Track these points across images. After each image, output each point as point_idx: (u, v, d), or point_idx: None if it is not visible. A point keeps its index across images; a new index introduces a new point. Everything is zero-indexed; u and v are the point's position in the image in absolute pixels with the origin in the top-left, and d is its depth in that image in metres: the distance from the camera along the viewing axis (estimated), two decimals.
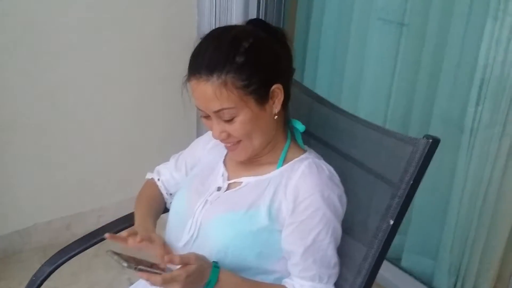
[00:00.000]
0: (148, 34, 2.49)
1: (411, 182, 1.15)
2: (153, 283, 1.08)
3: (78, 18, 2.27)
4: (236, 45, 1.11)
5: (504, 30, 1.79)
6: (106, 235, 1.11)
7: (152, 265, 1.12)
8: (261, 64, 1.14)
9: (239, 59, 1.10)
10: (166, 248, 1.17)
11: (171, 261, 1.09)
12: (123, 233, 1.14)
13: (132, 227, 1.21)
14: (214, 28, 1.22)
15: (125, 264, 1.04)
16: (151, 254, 1.14)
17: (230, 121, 1.14)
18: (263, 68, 1.14)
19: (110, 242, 1.14)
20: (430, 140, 1.13)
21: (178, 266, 1.10)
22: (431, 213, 2.17)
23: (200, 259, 1.13)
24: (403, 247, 2.28)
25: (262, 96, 1.14)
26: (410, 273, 2.22)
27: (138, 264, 1.07)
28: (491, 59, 1.84)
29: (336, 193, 1.18)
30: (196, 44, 1.17)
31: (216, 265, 1.15)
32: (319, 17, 2.51)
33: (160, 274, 1.07)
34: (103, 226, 1.49)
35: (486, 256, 2.05)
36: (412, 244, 2.25)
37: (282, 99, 1.18)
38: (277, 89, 1.16)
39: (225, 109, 1.12)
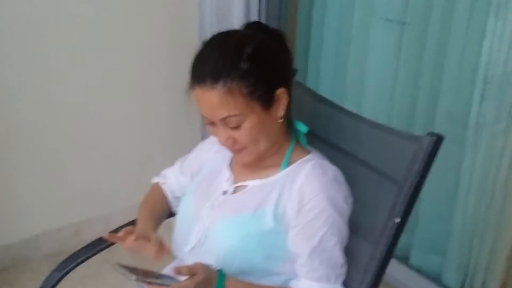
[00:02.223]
0: (150, 38, 2.50)
1: (416, 180, 1.15)
2: None
3: (80, 23, 2.28)
4: (240, 51, 1.11)
5: (507, 27, 1.78)
6: (105, 235, 1.12)
7: (159, 276, 1.13)
8: (266, 68, 1.14)
9: (244, 65, 1.10)
10: (162, 247, 1.16)
11: (179, 272, 1.10)
12: (120, 233, 1.15)
13: (129, 226, 1.21)
14: (215, 29, 1.22)
15: (133, 278, 1.04)
16: (148, 254, 1.15)
17: (236, 127, 1.14)
18: (268, 73, 1.14)
19: (117, 249, 1.14)
20: (434, 138, 1.13)
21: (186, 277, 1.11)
22: (439, 210, 2.16)
23: (207, 268, 1.14)
24: (411, 245, 2.27)
25: (267, 101, 1.14)
26: (419, 271, 2.21)
27: (146, 276, 1.07)
28: (494, 56, 1.83)
29: (341, 193, 1.18)
30: (197, 50, 1.17)
31: (221, 273, 1.16)
32: (320, 17, 2.50)
33: (168, 286, 1.07)
34: (111, 231, 1.49)
35: (494, 252, 2.05)
36: (420, 242, 2.25)
37: (286, 102, 1.18)
38: (281, 93, 1.16)
39: (232, 116, 1.12)
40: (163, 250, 1.16)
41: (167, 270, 1.29)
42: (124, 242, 1.14)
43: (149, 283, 1.07)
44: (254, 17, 2.33)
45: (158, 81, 2.56)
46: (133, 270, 1.08)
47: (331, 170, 1.22)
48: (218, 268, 1.17)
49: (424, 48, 2.08)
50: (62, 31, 2.25)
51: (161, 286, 1.08)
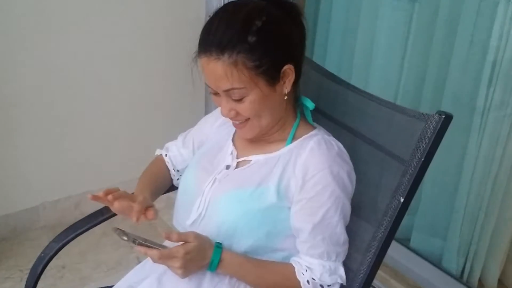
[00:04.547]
0: (156, 11, 2.47)
1: (423, 159, 1.13)
2: (150, 257, 1.10)
3: None
4: (249, 23, 1.09)
5: None
6: (89, 196, 1.10)
7: (155, 244, 1.13)
8: (273, 44, 1.11)
9: (251, 39, 1.08)
10: (148, 210, 1.14)
11: (169, 238, 1.10)
12: (101, 193, 1.12)
13: (112, 187, 1.18)
14: (223, 3, 1.19)
15: (125, 238, 1.06)
16: (129, 215, 1.13)
17: (239, 100, 1.13)
18: (275, 49, 1.12)
19: (118, 222, 1.14)
20: (443, 116, 1.11)
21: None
22: (441, 193, 2.16)
23: (200, 238, 1.13)
24: (412, 227, 2.27)
25: (273, 77, 1.13)
26: (419, 254, 2.21)
27: (139, 239, 1.08)
28: (503, 40, 1.82)
29: (345, 170, 1.17)
30: (207, 19, 1.15)
31: (218, 245, 1.15)
32: None
33: (158, 249, 1.07)
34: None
35: (496, 237, 2.05)
36: (421, 224, 2.24)
37: (293, 79, 1.16)
38: (288, 70, 1.14)
39: (235, 89, 1.11)
40: (146, 213, 1.13)
41: (169, 243, 1.28)
42: (109, 203, 1.12)
43: (140, 244, 1.08)
44: None
45: (162, 54, 2.54)
46: (129, 234, 1.09)
47: (336, 145, 1.20)
48: (221, 238, 1.17)
49: (434, 28, 2.06)
50: (67, 2, 2.23)
51: (151, 248, 1.09)
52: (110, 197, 1.11)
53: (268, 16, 1.11)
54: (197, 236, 1.13)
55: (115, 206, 1.13)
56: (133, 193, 1.32)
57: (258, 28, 1.09)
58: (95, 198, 1.11)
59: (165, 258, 1.08)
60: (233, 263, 1.17)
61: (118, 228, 1.09)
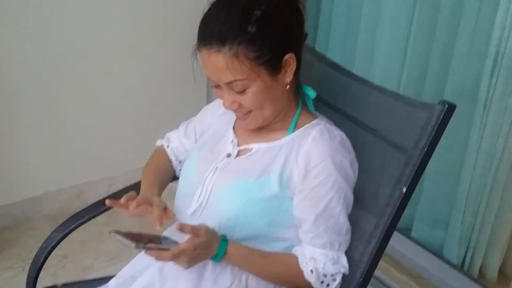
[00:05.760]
0: (157, 2, 2.46)
1: (425, 149, 1.12)
2: (162, 260, 1.08)
3: None
4: (248, 13, 1.08)
5: None
6: (107, 201, 1.09)
7: (159, 239, 1.12)
8: (274, 33, 1.11)
9: (251, 29, 1.07)
10: (166, 211, 1.13)
11: (181, 230, 1.09)
12: (122, 199, 1.12)
13: (131, 192, 1.17)
14: None
15: (133, 245, 1.03)
16: (150, 219, 1.12)
17: (241, 92, 1.12)
18: (276, 38, 1.11)
19: (119, 212, 1.13)
20: (446, 106, 1.11)
21: (187, 236, 1.10)
22: (443, 184, 2.15)
23: (210, 233, 1.13)
24: (414, 217, 2.27)
25: (274, 67, 1.12)
26: (420, 244, 2.21)
27: (144, 241, 1.06)
28: (506, 31, 1.81)
29: (348, 159, 1.17)
30: (205, 10, 1.14)
31: (224, 239, 1.15)
32: None
33: (168, 249, 1.06)
34: (113, 193, 1.48)
35: (497, 228, 2.04)
36: (423, 214, 2.24)
37: (294, 68, 1.16)
38: (289, 59, 1.14)
39: (237, 80, 1.10)
40: (166, 214, 1.13)
41: (167, 232, 1.28)
42: (126, 208, 1.12)
43: (148, 249, 1.06)
44: None
45: (164, 43, 2.54)
46: (131, 235, 1.06)
47: (338, 135, 1.20)
48: (221, 233, 1.16)
49: (437, 18, 2.04)
50: None
51: (160, 251, 1.07)
52: (133, 204, 1.10)
53: (267, 5, 1.10)
54: (207, 231, 1.12)
55: (130, 211, 1.11)
56: (136, 185, 1.32)
57: (257, 18, 1.08)
58: (113, 203, 1.10)
59: (176, 257, 1.07)
60: (238, 255, 1.17)
61: (119, 232, 1.06)
